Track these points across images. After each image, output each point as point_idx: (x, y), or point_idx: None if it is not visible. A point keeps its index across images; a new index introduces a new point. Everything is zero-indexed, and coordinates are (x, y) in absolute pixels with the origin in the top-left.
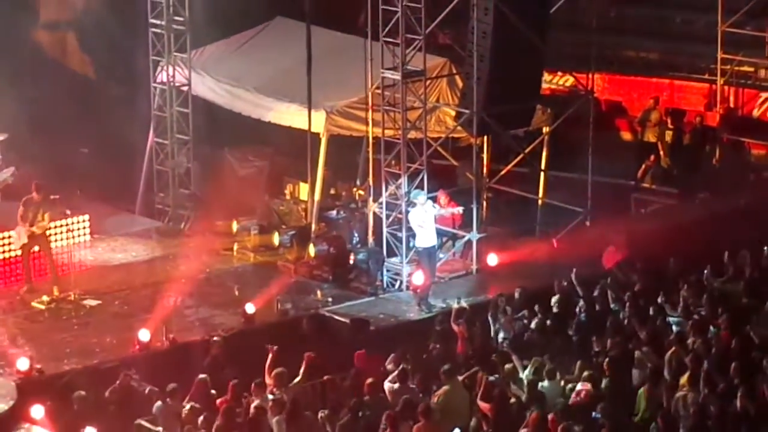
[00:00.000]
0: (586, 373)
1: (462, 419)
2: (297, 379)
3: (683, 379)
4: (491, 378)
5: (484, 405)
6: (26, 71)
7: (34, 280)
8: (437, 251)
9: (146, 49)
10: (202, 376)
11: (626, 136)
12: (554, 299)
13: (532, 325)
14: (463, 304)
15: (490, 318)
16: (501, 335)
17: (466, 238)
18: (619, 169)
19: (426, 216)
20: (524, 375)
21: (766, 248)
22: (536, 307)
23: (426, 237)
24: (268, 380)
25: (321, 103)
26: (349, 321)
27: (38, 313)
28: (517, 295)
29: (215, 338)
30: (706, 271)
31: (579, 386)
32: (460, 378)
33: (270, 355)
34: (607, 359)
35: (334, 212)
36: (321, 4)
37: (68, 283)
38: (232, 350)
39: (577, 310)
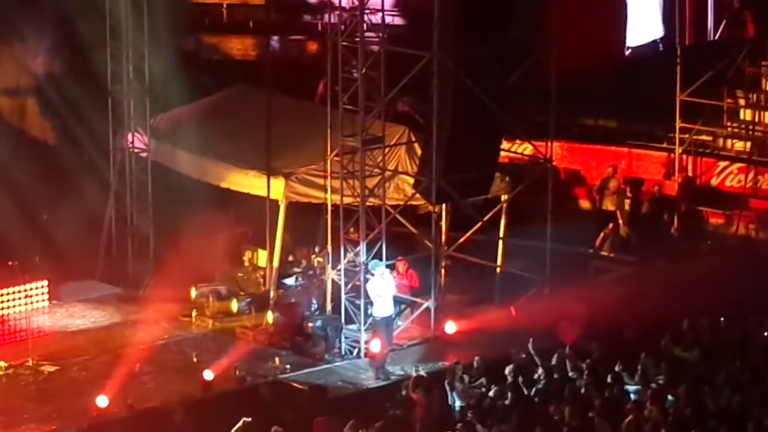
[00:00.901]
0: None
1: None
2: None
3: None
4: None
5: None
6: None
7: None
8: (394, 320)
9: (106, 115)
10: None
11: (585, 204)
12: (508, 368)
13: (491, 394)
14: (421, 372)
15: (447, 386)
16: (458, 403)
17: (424, 306)
18: (577, 238)
19: (384, 286)
20: None
21: (722, 319)
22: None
23: (383, 307)
24: None
25: (280, 170)
26: (308, 388)
27: None
28: (475, 363)
29: (176, 404)
30: (664, 339)
31: None
32: None
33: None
34: (565, 428)
35: (293, 279)
36: (281, 72)
37: (26, 349)
38: (191, 417)
39: (536, 377)
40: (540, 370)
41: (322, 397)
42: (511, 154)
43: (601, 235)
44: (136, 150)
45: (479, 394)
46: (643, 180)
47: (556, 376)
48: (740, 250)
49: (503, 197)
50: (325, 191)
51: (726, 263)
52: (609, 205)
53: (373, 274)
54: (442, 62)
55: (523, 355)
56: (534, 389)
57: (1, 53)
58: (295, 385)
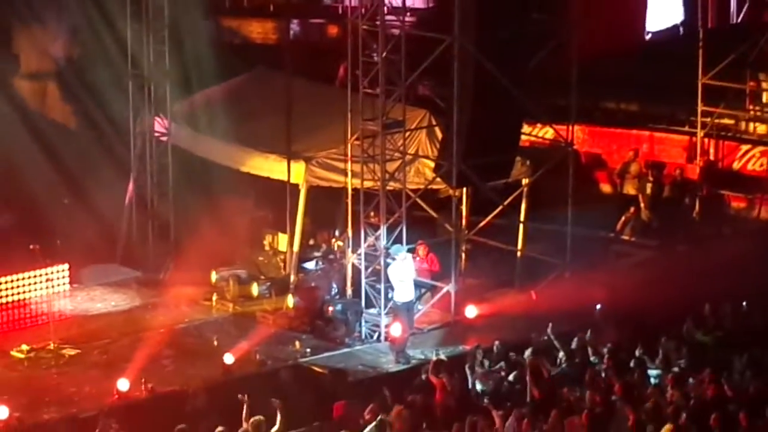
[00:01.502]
0: None
1: None
2: (275, 428)
3: (664, 431)
4: None
5: None
6: (7, 120)
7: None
8: (415, 304)
9: (127, 99)
10: (180, 426)
11: (606, 188)
12: (527, 352)
13: (510, 378)
14: (441, 356)
15: (467, 369)
16: (478, 387)
17: (444, 290)
18: (598, 221)
19: (406, 270)
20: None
21: (744, 303)
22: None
23: (405, 291)
24: (248, 428)
25: (300, 154)
26: (328, 372)
27: (17, 362)
28: (495, 348)
29: (196, 388)
30: (686, 324)
31: None
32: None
33: (244, 405)
34: (585, 412)
35: (313, 263)
36: (301, 55)
37: (47, 333)
38: (211, 401)
39: (557, 362)
40: (561, 354)
41: (343, 381)
42: (532, 138)
43: (623, 219)
44: (156, 134)
45: (499, 378)
46: (664, 164)
47: (576, 360)
48: (762, 234)
49: (524, 181)
50: (346, 175)
51: (748, 247)
52: (630, 189)
53: (394, 259)
54: (462, 46)
55: (544, 338)
56: (556, 373)
57: (21, 37)
58: (316, 369)
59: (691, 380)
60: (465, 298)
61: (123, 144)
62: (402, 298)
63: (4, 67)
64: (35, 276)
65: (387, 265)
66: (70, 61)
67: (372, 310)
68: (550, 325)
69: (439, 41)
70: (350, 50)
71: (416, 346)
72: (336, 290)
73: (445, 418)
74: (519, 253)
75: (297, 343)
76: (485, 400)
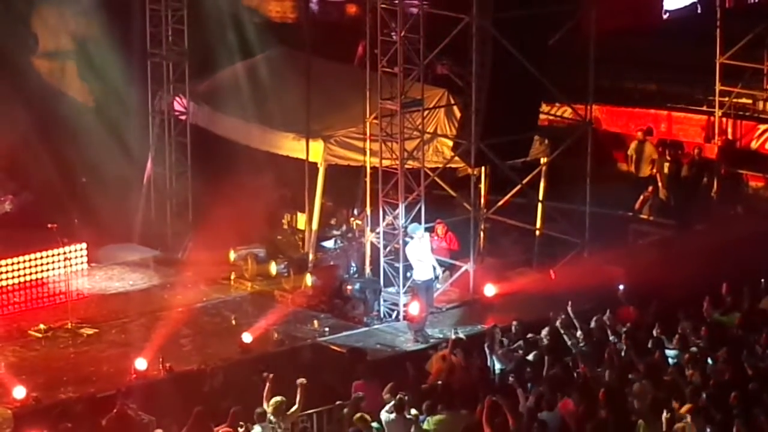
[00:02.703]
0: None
1: None
2: (294, 408)
3: (683, 410)
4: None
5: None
6: (25, 98)
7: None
8: (434, 283)
9: (145, 78)
10: (198, 408)
11: (624, 167)
12: (544, 331)
13: (529, 357)
14: (460, 334)
15: (486, 349)
16: (497, 366)
17: (463, 269)
18: (616, 201)
19: (424, 249)
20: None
21: (763, 281)
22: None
23: (424, 270)
24: (267, 408)
25: (319, 133)
26: (346, 351)
27: (35, 342)
28: (513, 327)
29: (214, 367)
30: (705, 303)
31: None
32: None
33: (267, 383)
34: (603, 389)
35: (332, 242)
36: (320, 35)
37: (65, 312)
38: (229, 380)
39: (576, 341)
40: (579, 333)
41: (361, 360)
42: (551, 117)
43: (641, 198)
44: (175, 113)
45: (518, 357)
46: (682, 143)
47: (594, 339)
48: None
49: (542, 160)
50: (364, 154)
51: (766, 226)
52: (646, 170)
53: (412, 238)
54: (480, 25)
55: (562, 316)
56: (575, 352)
57: (39, 15)
58: (334, 347)
59: (709, 360)
60: (484, 277)
61: (142, 123)
62: (421, 276)
63: (22, 45)
64: (53, 255)
65: (405, 243)
66: (88, 40)
67: (390, 289)
68: (570, 303)
69: (457, 20)
70: (369, 29)
71: (435, 325)
72: (354, 269)
73: (462, 396)
74: (537, 232)
75: (315, 322)
76: (510, 379)
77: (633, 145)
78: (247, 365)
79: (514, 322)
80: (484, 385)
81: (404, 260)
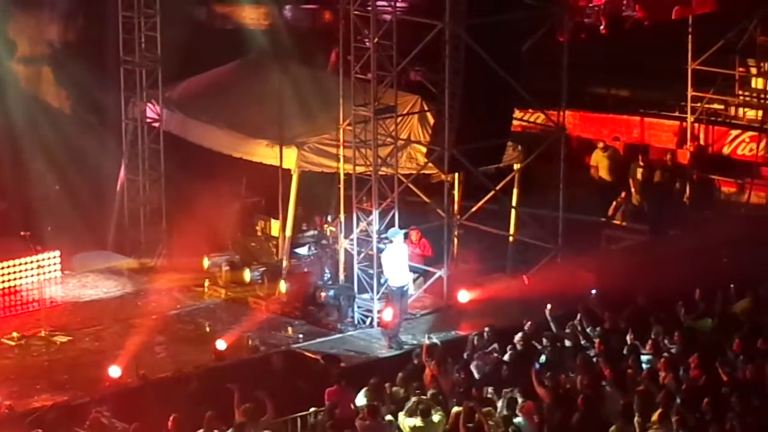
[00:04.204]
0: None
1: None
2: (266, 416)
3: (654, 416)
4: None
5: None
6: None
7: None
8: (408, 289)
9: (119, 85)
10: (174, 415)
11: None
12: (517, 336)
13: (505, 358)
14: (435, 340)
15: (465, 356)
16: (475, 371)
17: (436, 275)
18: (590, 206)
19: (400, 255)
20: (498, 413)
21: (732, 286)
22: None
23: (399, 276)
24: (240, 418)
25: (292, 140)
26: (321, 357)
27: (8, 350)
28: (485, 333)
29: (188, 374)
30: (677, 308)
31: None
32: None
33: (235, 394)
34: (581, 396)
35: (306, 249)
36: (293, 41)
37: (38, 320)
38: (204, 387)
39: (542, 347)
40: (545, 341)
41: (335, 367)
42: (524, 123)
43: (614, 204)
44: (148, 120)
45: (495, 360)
46: (655, 148)
47: (568, 344)
48: (752, 218)
49: (516, 166)
50: (338, 160)
51: (738, 231)
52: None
53: (391, 242)
54: (454, 31)
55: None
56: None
57: (16, 21)
58: (308, 354)
59: (682, 366)
60: (457, 283)
61: (115, 130)
62: (396, 282)
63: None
64: (26, 263)
65: (381, 249)
66: (64, 46)
67: (364, 296)
68: (549, 306)
69: (430, 27)
70: (342, 36)
71: (408, 331)
72: (328, 276)
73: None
74: (511, 238)
75: (289, 329)
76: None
77: (595, 155)
78: (222, 372)
79: (486, 329)
80: (460, 391)
81: (378, 266)
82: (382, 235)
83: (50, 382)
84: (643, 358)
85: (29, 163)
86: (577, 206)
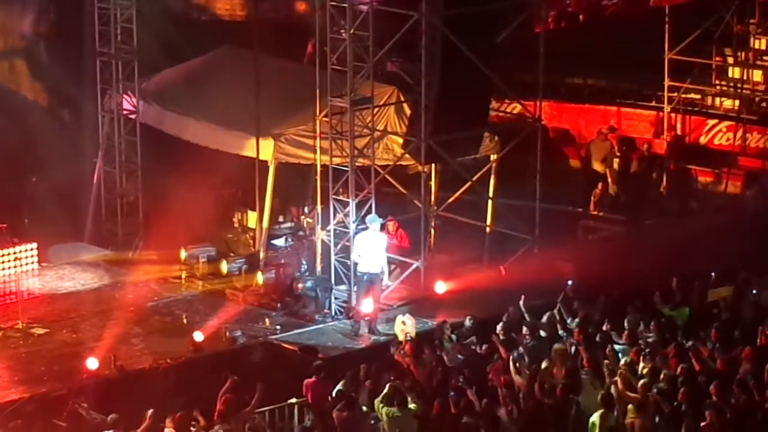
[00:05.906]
0: None
1: None
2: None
3: (631, 405)
4: None
5: None
6: None
7: None
8: (381, 278)
9: (95, 77)
10: (150, 410)
11: (574, 163)
12: (499, 326)
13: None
14: (408, 326)
15: (436, 344)
16: (449, 362)
17: (413, 266)
18: (566, 197)
19: (374, 242)
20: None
21: (713, 274)
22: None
23: (369, 263)
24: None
25: (269, 131)
26: (298, 349)
27: None
28: (467, 323)
29: (166, 366)
30: (655, 298)
31: None
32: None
33: (228, 383)
34: (560, 385)
35: (282, 240)
36: (269, 33)
37: (16, 312)
38: (181, 378)
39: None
40: (525, 330)
41: (313, 358)
42: (501, 114)
43: (593, 199)
44: (125, 112)
45: (471, 352)
46: (632, 139)
47: (544, 334)
48: (729, 208)
49: (492, 157)
50: (314, 152)
51: (715, 221)
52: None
53: (366, 228)
54: (430, 22)
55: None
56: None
57: None
58: (286, 345)
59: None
60: (434, 274)
61: (91, 122)
62: (363, 268)
63: None
64: (3, 255)
65: (356, 232)
66: (38, 38)
67: (341, 287)
68: (523, 297)
69: (407, 17)
70: (318, 27)
71: (384, 322)
72: (305, 267)
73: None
74: (488, 229)
75: (267, 320)
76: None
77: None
78: (199, 364)
79: (468, 318)
80: (438, 383)
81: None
82: (359, 224)
83: (28, 373)
84: (619, 348)
85: (5, 155)
86: (554, 197)
